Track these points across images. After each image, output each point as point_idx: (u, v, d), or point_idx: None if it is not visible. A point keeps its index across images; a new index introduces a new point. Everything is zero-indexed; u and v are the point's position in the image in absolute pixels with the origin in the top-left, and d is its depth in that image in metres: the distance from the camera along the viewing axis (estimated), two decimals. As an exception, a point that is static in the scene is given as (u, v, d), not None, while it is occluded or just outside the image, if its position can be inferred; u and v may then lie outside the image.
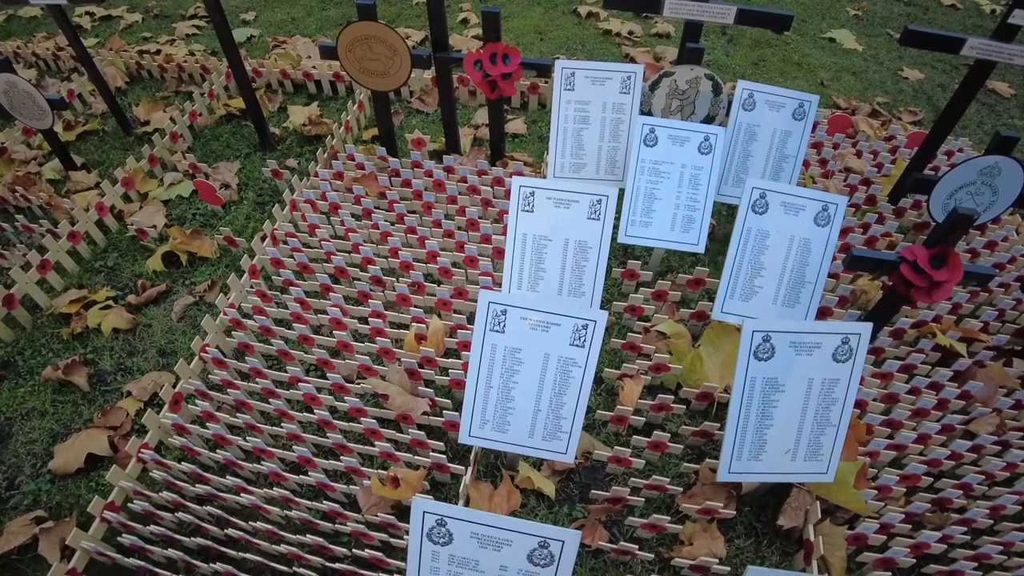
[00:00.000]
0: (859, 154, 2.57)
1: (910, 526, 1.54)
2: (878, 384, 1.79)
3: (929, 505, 1.55)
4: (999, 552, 1.48)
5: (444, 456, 1.56)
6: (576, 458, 1.47)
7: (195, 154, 2.62)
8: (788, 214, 1.70)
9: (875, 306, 1.77)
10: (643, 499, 1.56)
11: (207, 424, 1.63)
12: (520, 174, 2.12)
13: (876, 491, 1.56)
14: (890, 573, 1.46)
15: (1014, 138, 1.85)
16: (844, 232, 2.17)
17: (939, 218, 2.00)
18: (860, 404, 1.72)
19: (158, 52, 3.22)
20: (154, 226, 2.28)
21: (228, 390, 1.69)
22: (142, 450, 1.58)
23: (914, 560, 1.48)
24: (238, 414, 1.64)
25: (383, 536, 1.46)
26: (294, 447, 1.56)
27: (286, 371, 1.71)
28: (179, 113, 2.69)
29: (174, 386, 1.71)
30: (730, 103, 2.02)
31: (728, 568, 1.45)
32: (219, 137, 2.73)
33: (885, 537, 1.51)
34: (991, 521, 1.56)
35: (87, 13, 3.69)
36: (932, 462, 1.62)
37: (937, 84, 3.37)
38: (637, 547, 1.44)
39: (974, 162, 1.89)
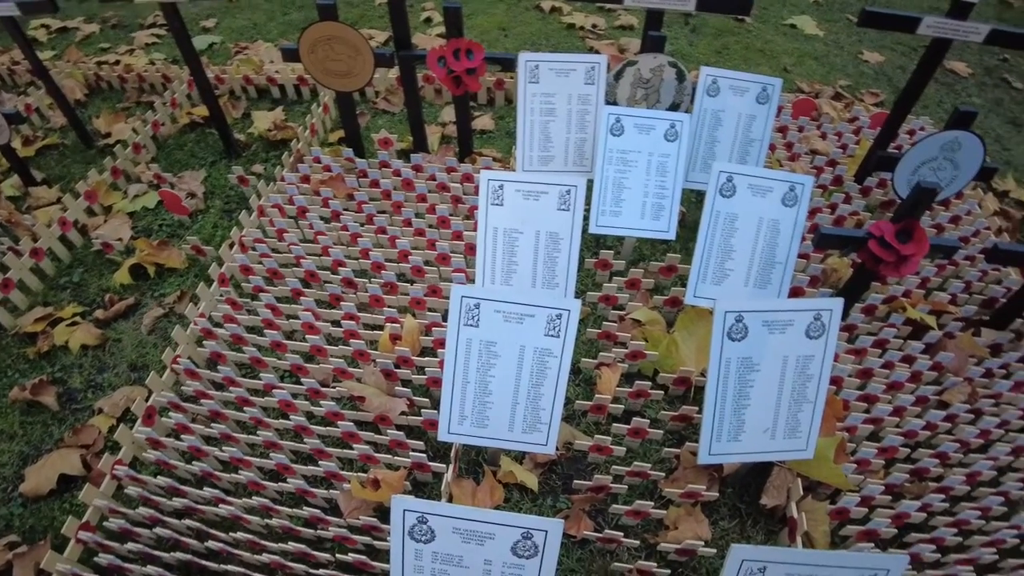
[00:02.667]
0: (824, 136, 2.61)
1: (890, 497, 1.56)
2: (853, 360, 1.81)
3: (907, 476, 1.57)
4: (977, 517, 1.51)
5: (424, 455, 1.55)
6: (557, 449, 1.46)
7: (159, 164, 2.57)
8: (756, 196, 1.71)
9: (846, 283, 1.79)
10: (626, 486, 1.56)
11: (182, 436, 1.60)
12: (489, 169, 2.11)
13: (855, 465, 1.58)
14: (872, 544, 1.48)
15: (972, 112, 1.88)
16: (812, 212, 2.19)
17: (904, 194, 2.02)
18: (836, 380, 1.74)
19: (117, 62, 3.16)
20: (120, 239, 2.23)
21: (202, 401, 1.66)
22: (116, 467, 1.54)
23: (896, 530, 1.50)
24: (213, 424, 1.62)
25: (366, 539, 1.44)
26: (271, 455, 1.54)
27: (260, 379, 1.68)
28: (141, 123, 2.64)
29: (147, 400, 1.68)
30: (694, 90, 2.03)
31: (714, 550, 1.46)
32: (183, 146, 2.68)
33: (866, 509, 1.52)
34: (968, 488, 1.59)
35: (42, 25, 3.61)
36: (908, 433, 1.64)
37: (897, 66, 3.42)
38: (622, 534, 1.45)
39: (935, 138, 1.92)
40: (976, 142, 1.91)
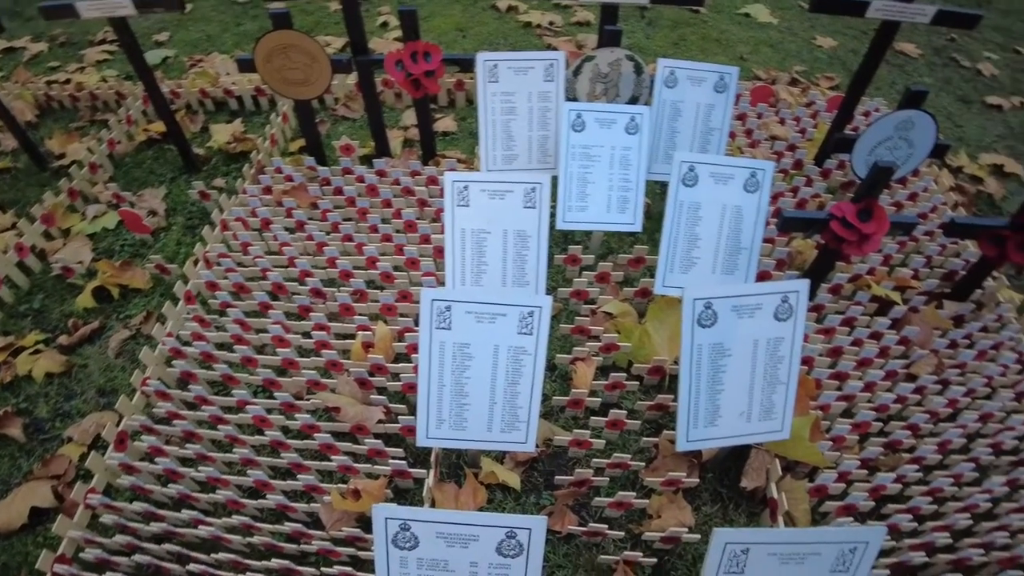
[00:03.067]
0: (782, 121, 2.65)
1: (866, 471, 1.59)
2: (822, 339, 1.84)
3: (882, 449, 1.60)
4: (950, 484, 1.55)
5: (404, 462, 1.54)
6: (537, 446, 1.46)
7: (117, 183, 2.52)
8: (718, 184, 1.73)
9: (811, 264, 1.82)
10: (607, 479, 1.57)
11: (156, 459, 1.56)
12: (453, 171, 2.10)
13: (831, 442, 1.61)
14: (852, 518, 1.51)
15: (923, 92, 1.93)
16: (775, 197, 2.23)
17: (862, 175, 2.06)
18: (807, 360, 1.76)
19: (68, 81, 3.08)
20: (80, 262, 2.18)
21: (175, 422, 1.63)
22: (89, 495, 1.51)
23: (873, 503, 1.53)
24: (188, 445, 1.59)
25: (350, 551, 1.43)
26: (249, 472, 1.51)
27: (232, 395, 1.66)
28: (96, 142, 2.58)
29: (117, 424, 1.64)
30: (653, 82, 2.05)
31: (698, 536, 1.48)
32: (141, 163, 2.63)
33: (844, 485, 1.55)
34: (940, 456, 1.63)
35: (-13, 48, 3.52)
36: (880, 407, 1.68)
37: (849, 50, 3.49)
38: (607, 527, 1.45)
39: (889, 118, 1.96)
40: (929, 120, 1.96)
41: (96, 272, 2.13)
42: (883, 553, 1.46)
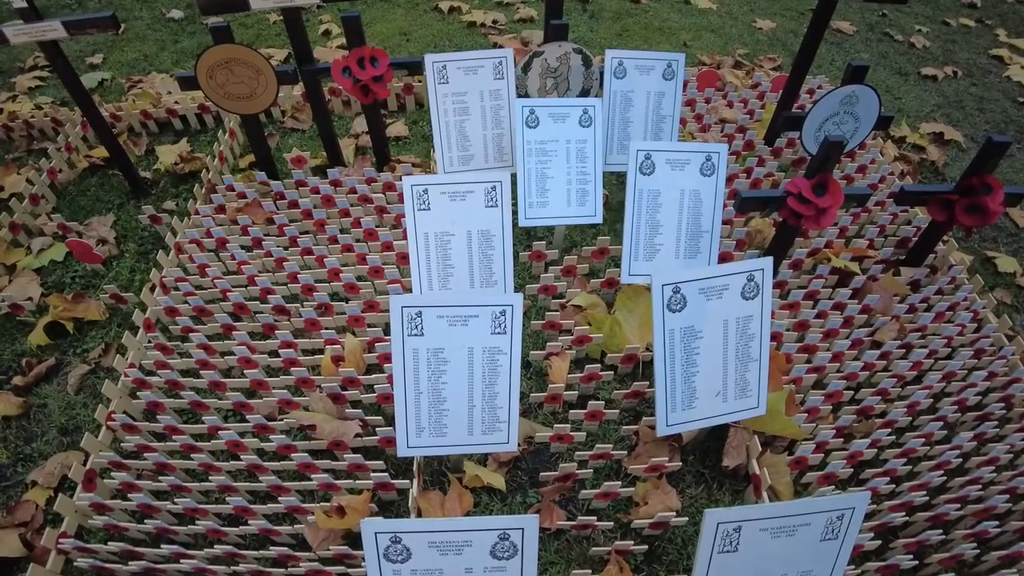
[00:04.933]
0: (730, 104, 2.69)
1: (842, 439, 1.63)
2: (788, 314, 1.88)
3: (855, 416, 1.65)
4: (922, 444, 1.60)
5: (386, 474, 1.51)
6: (519, 445, 1.46)
7: (62, 214, 2.42)
8: (674, 170, 1.75)
9: (771, 242, 1.86)
10: (591, 470, 1.58)
11: (129, 495, 1.51)
12: (411, 175, 2.08)
13: (806, 414, 1.64)
14: (833, 486, 1.54)
15: (864, 66, 1.98)
16: (730, 179, 2.27)
17: (813, 150, 2.11)
18: (776, 336, 1.80)
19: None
20: (30, 298, 2.09)
21: (145, 455, 1.58)
22: (61, 540, 1.44)
23: (852, 469, 1.57)
24: (161, 477, 1.54)
25: (340, 569, 1.40)
26: (228, 499, 1.47)
27: (203, 422, 1.61)
28: (36, 172, 2.48)
29: (84, 463, 1.58)
30: (602, 74, 2.06)
31: (685, 518, 1.49)
32: (86, 191, 2.54)
33: (822, 455, 1.59)
34: (910, 418, 1.68)
35: (-92, 84, 3.35)
36: (849, 376, 1.72)
37: (788, 30, 3.57)
38: (595, 518, 1.45)
39: (834, 94, 2.01)
40: (871, 94, 2.01)
41: (47, 307, 2.05)
42: (865, 517, 1.49)
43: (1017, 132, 2.96)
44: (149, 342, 1.85)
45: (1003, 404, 1.71)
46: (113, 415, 1.66)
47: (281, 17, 2.13)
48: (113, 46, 3.51)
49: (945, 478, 1.55)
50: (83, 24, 1.98)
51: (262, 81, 2.02)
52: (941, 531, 1.44)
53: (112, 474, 1.57)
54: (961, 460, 1.61)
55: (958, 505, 1.48)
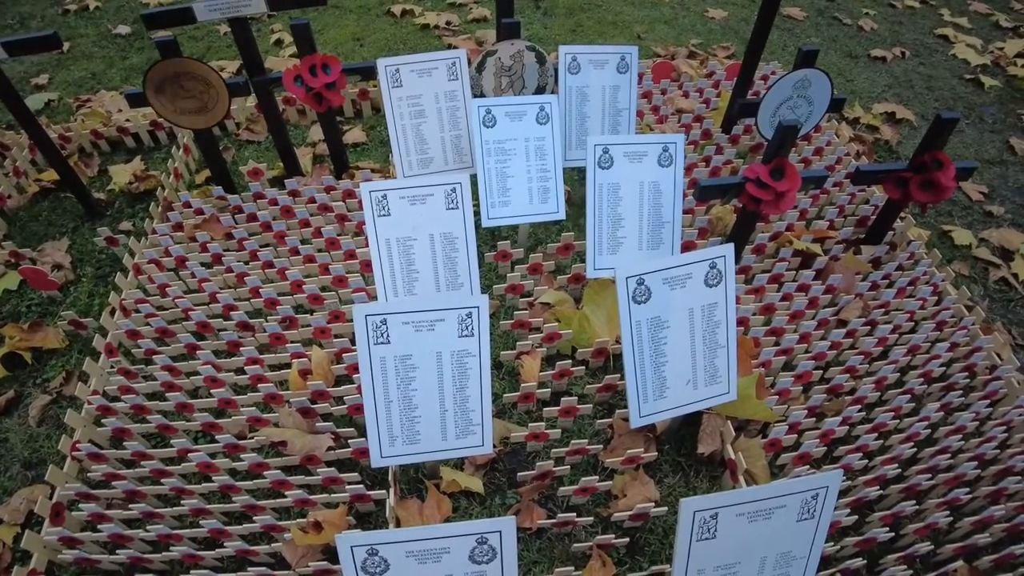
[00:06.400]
0: (686, 95, 2.71)
1: (814, 419, 1.65)
2: (754, 299, 1.89)
3: (825, 395, 1.66)
4: (891, 418, 1.62)
5: (361, 486, 1.49)
6: (495, 447, 1.45)
7: (13, 241, 2.35)
8: (633, 163, 1.75)
9: (732, 228, 1.87)
10: (569, 467, 1.57)
11: (99, 527, 1.46)
12: (369, 181, 2.06)
13: (777, 396, 1.66)
14: (808, 466, 1.56)
15: (814, 51, 2.01)
16: (689, 168, 2.28)
17: (769, 136, 2.14)
18: (742, 321, 1.81)
19: (-59, 141, 2.86)
20: (-18, 331, 2.03)
21: (114, 483, 1.53)
22: (29, 578, 1.40)
23: (825, 448, 1.59)
24: (132, 505, 1.50)
25: (319, 584, 1.38)
26: (202, 522, 1.44)
27: (172, 445, 1.57)
28: (-18, 202, 2.41)
29: (51, 497, 1.53)
30: (557, 71, 2.06)
31: (665, 508, 1.49)
32: (37, 216, 2.47)
33: (796, 435, 1.60)
34: (878, 394, 1.71)
35: None
36: (817, 356, 1.74)
37: (740, 19, 3.62)
38: (575, 515, 1.45)
39: (787, 79, 2.04)
40: (823, 77, 2.04)
41: (3, 338, 1.99)
42: (841, 493, 1.51)
43: (965, 108, 3.03)
44: (112, 367, 1.81)
45: (966, 373, 1.75)
46: (78, 445, 1.60)
47: (230, 29, 2.09)
48: (59, 65, 3.42)
49: (916, 450, 1.57)
50: (24, 44, 1.93)
51: (213, 94, 1.98)
52: (915, 502, 1.46)
53: (80, 506, 1.52)
54: (930, 431, 1.64)
55: (929, 475, 1.51)
